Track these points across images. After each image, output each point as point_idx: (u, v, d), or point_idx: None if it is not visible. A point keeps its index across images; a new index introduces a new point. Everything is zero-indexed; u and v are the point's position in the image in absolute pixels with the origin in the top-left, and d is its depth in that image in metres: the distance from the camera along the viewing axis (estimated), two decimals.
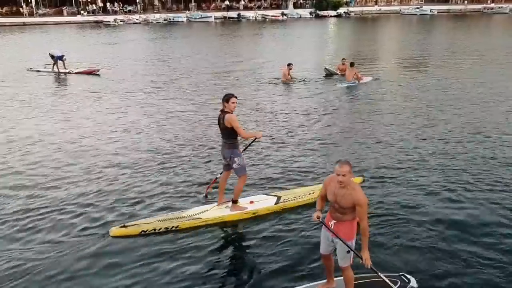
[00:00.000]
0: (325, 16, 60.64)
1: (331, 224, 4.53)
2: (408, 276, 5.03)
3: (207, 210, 6.75)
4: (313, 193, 7.08)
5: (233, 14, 61.89)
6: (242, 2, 68.94)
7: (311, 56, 25.38)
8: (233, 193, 6.79)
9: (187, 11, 63.16)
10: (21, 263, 5.63)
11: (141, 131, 11.36)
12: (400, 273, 5.10)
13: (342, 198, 4.36)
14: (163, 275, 5.39)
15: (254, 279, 5.33)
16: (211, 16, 58.96)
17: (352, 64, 17.02)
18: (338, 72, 18.41)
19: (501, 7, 65.30)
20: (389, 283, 4.62)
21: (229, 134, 6.35)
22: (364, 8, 68.60)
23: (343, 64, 18.35)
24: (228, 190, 7.11)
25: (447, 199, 7.21)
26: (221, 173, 7.03)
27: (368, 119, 12.13)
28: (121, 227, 6.35)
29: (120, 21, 54.76)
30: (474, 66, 20.59)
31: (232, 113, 6.28)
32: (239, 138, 6.47)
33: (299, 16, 61.49)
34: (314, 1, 66.40)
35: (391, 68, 21.01)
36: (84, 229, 6.48)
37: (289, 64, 17.40)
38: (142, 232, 6.27)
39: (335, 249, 4.64)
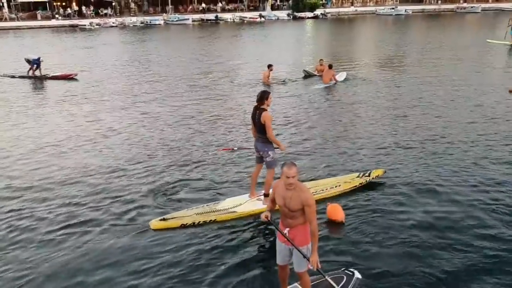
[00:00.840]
0: (302, 18, 61.04)
1: (285, 233, 4.49)
2: (351, 269, 5.17)
3: (241, 204, 6.99)
4: (342, 184, 7.57)
5: (211, 16, 61.77)
6: (220, 5, 68.85)
7: (290, 57, 25.53)
8: (263, 187, 7.10)
9: (164, 14, 62.72)
10: (69, 257, 5.92)
11: (125, 132, 11.29)
12: (343, 268, 5.23)
13: (291, 201, 4.33)
14: (204, 267, 5.64)
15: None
16: (188, 19, 58.70)
17: (330, 66, 17.21)
18: (316, 73, 18.58)
19: (473, 6, 66.82)
20: (333, 284, 4.64)
21: (264, 129, 6.68)
22: (341, 9, 69.30)
23: (321, 64, 18.56)
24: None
25: (402, 194, 7.49)
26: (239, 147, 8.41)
27: (349, 117, 12.39)
28: (161, 220, 6.57)
29: (96, 25, 54.05)
30: (448, 63, 21.07)
31: (267, 110, 6.65)
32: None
33: (276, 17, 61.74)
34: (291, 3, 66.78)
35: (368, 67, 21.32)
36: (123, 222, 6.76)
37: (269, 66, 17.49)
38: (182, 225, 6.53)
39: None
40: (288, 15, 62.93)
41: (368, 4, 75.10)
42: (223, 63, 23.42)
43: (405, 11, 64.10)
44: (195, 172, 8.68)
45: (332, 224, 6.56)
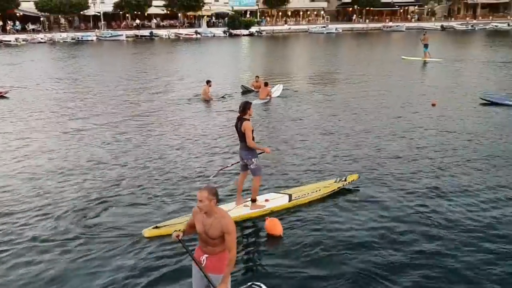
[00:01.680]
0: (238, 35, 61.93)
1: (203, 259, 4.32)
2: (258, 283, 5.18)
3: (230, 210, 6.98)
4: (321, 189, 7.96)
5: (145, 32, 61.00)
6: (154, 21, 68.20)
7: (228, 73, 25.75)
8: (250, 193, 7.41)
9: (97, 30, 61.09)
10: (59, 264, 5.97)
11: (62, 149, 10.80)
12: (250, 283, 5.24)
13: (211, 227, 4.18)
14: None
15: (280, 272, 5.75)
16: (122, 35, 57.57)
17: (266, 84, 17.55)
18: (253, 89, 18.88)
19: (398, 25, 71.25)
20: None
21: (245, 138, 6.99)
22: (275, 27, 71.14)
23: (256, 81, 18.90)
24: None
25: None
26: (232, 164, 8.36)
27: (291, 130, 12.68)
28: (154, 228, 6.66)
29: (23, 41, 51.56)
30: (375, 77, 22.22)
31: (249, 120, 6.98)
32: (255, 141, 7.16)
33: (212, 34, 62.17)
34: (227, 20, 67.59)
35: (304, 82, 22.01)
36: (114, 231, 6.79)
37: (208, 81, 17.54)
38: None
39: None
40: (224, 32, 63.62)
41: (300, 22, 77.60)
42: (160, 79, 23.17)
43: (336, 29, 66.96)
44: (176, 184, 8.64)
45: (271, 238, 6.58)
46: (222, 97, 17.79)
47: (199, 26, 66.87)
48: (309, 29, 69.14)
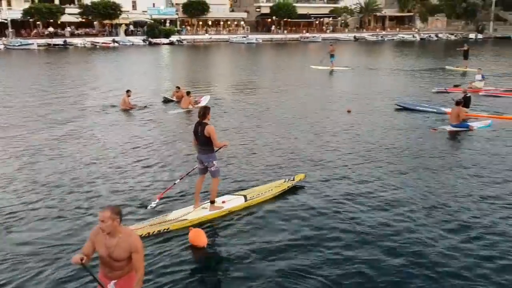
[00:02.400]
0: (158, 44, 60.84)
1: (111, 286, 4.03)
2: None
3: (189, 212, 7.39)
4: (273, 189, 8.41)
5: (59, 41, 57.92)
6: (69, 29, 64.99)
7: (148, 82, 25.15)
8: (209, 195, 7.65)
9: (4, 38, 56.98)
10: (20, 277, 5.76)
11: None
12: None
13: (116, 248, 3.92)
14: (163, 275, 5.80)
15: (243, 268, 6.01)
16: (33, 43, 54.12)
17: (188, 93, 17.38)
18: (174, 98, 18.58)
19: (315, 36, 74.12)
20: None
21: (207, 142, 7.22)
22: (196, 37, 70.82)
23: (177, 91, 18.65)
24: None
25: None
26: (181, 179, 8.44)
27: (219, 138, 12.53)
28: None
29: None
30: (293, 85, 22.90)
31: (208, 123, 7.19)
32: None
33: (131, 43, 60.50)
34: (146, 29, 66.19)
35: (227, 91, 22.15)
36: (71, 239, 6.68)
37: (127, 91, 17.00)
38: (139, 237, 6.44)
39: None
40: (144, 40, 62.19)
41: (221, 32, 78.05)
42: (76, 89, 22.09)
43: (256, 39, 68.14)
44: (91, 200, 8.27)
45: (194, 249, 6.45)
46: (144, 107, 17.30)
47: (116, 34, 64.81)
48: (230, 39, 69.69)
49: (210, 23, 79.09)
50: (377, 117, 15.69)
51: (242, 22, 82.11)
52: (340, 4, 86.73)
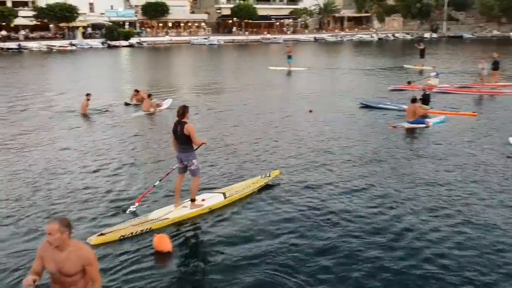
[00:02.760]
0: (117, 46, 59.68)
1: None
2: None
3: (170, 211, 7.48)
4: (251, 185, 8.61)
5: (12, 45, 55.83)
6: (23, 32, 62.78)
7: (108, 86, 24.70)
8: (189, 193, 7.77)
9: None
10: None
11: None
12: None
13: (66, 263, 3.70)
14: (147, 274, 5.90)
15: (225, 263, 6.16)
16: None
17: (149, 96, 17.16)
18: (134, 101, 18.30)
19: (276, 37, 74.64)
20: None
21: (187, 140, 7.30)
22: (156, 39, 69.92)
23: (135, 94, 18.40)
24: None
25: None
26: (160, 180, 8.34)
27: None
28: (99, 235, 6.66)
29: None
30: (255, 86, 23.05)
31: (188, 122, 7.25)
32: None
33: (89, 46, 59.10)
34: (104, 31, 64.82)
35: (188, 92, 21.99)
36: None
37: (87, 95, 16.62)
38: (121, 237, 6.72)
39: None
40: (103, 43, 60.86)
41: (182, 34, 77.44)
42: (33, 94, 21.35)
43: (217, 41, 68.01)
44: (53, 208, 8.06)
45: (159, 255, 6.38)
46: (105, 110, 16.94)
47: (73, 37, 63.17)
48: (191, 40, 69.20)
49: (170, 24, 78.34)
50: (338, 115, 16.00)
51: (203, 24, 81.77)
52: (300, 6, 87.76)
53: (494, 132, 13.31)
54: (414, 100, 14.21)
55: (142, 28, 74.06)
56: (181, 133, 7.25)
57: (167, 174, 8.45)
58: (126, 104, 18.20)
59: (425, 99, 15.88)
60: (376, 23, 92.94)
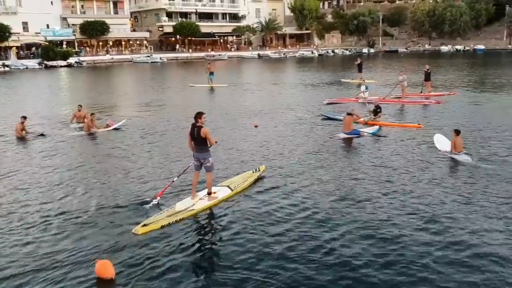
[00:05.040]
0: (55, 66, 57.66)
1: None
2: None
3: (194, 203, 8.58)
4: (247, 179, 9.89)
5: None
6: None
7: (45, 107, 23.70)
8: (206, 188, 8.90)
9: None
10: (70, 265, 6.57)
11: None
12: None
13: None
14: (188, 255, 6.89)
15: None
16: None
17: (92, 114, 16.70)
18: (74, 121, 17.71)
19: (220, 54, 75.21)
20: None
21: (203, 142, 8.47)
22: (96, 58, 68.17)
23: (79, 110, 17.85)
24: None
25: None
26: (179, 176, 9.41)
27: (121, 160, 12.16)
28: (143, 225, 7.65)
29: None
30: (199, 99, 23.06)
31: (203, 126, 8.42)
32: None
33: (25, 67, 56.66)
34: (40, 51, 62.48)
35: (132, 111, 21.50)
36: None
37: (22, 117, 15.88)
38: (162, 226, 7.74)
39: None
40: (39, 63, 58.57)
41: (123, 52, 76.16)
42: None
43: (160, 58, 67.45)
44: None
45: (100, 282, 6.17)
46: (41, 134, 16.10)
47: (6, 58, 60.40)
48: (133, 58, 68.17)
49: (111, 43, 76.85)
50: (281, 128, 16.39)
51: (145, 42, 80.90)
52: (243, 23, 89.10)
53: (422, 137, 14.25)
54: (350, 113, 14.79)
55: (81, 47, 72.11)
56: (198, 135, 8.38)
57: (184, 171, 9.53)
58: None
59: (377, 112, 16.62)
60: (316, 40, 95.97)
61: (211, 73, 31.50)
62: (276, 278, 6.20)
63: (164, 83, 37.64)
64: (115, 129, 16.65)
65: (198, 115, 8.45)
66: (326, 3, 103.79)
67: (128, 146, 14.27)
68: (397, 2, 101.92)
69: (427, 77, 24.31)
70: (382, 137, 14.63)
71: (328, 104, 21.86)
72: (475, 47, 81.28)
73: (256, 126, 16.45)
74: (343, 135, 14.47)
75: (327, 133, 15.35)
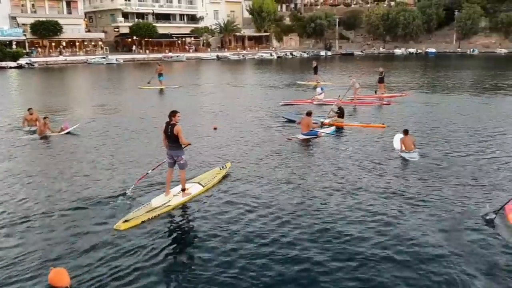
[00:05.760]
0: (3, 68, 55.19)
1: None
2: None
3: (169, 200, 8.88)
4: (216, 176, 10.28)
5: None
6: None
7: None
8: (180, 184, 9.22)
9: None
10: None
11: None
12: None
13: None
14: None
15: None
16: None
17: (45, 118, 16.03)
18: (26, 124, 16.92)
19: (178, 55, 74.38)
20: None
21: (176, 139, 8.67)
22: (49, 59, 65.74)
23: (30, 114, 17.05)
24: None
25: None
26: (152, 169, 9.86)
27: (76, 164, 11.76)
28: (125, 221, 7.85)
29: None
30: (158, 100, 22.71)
31: (177, 124, 8.66)
32: None
33: None
34: None
35: (89, 113, 20.85)
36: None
37: None
38: (142, 222, 8.00)
39: None
40: None
41: (78, 53, 74.00)
42: None
43: (116, 60, 65.97)
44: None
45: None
46: None
47: None
48: (88, 60, 66.33)
49: (64, 44, 74.45)
50: (241, 130, 16.29)
51: (100, 43, 78.95)
52: (201, 24, 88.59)
53: (378, 137, 14.67)
54: (308, 114, 14.93)
55: (32, 48, 69.43)
56: (171, 133, 8.59)
57: (158, 165, 9.95)
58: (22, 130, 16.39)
59: (341, 113, 16.74)
60: (275, 42, 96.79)
61: (160, 75, 30.92)
62: (246, 269, 6.54)
63: (119, 84, 36.76)
64: (69, 133, 16.05)
65: (173, 113, 8.70)
66: (284, 6, 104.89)
67: (84, 148, 13.87)
68: (352, 6, 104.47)
69: (381, 80, 25.00)
70: (339, 137, 14.91)
71: (284, 105, 22.02)
72: (427, 50, 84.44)
73: (215, 129, 16.30)
74: (301, 136, 14.59)
75: (286, 134, 15.42)
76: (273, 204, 8.95)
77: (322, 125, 16.34)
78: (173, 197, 8.99)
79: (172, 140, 8.69)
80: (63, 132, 15.97)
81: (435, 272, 6.35)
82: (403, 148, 12.28)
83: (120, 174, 11.01)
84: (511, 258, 6.77)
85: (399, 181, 10.26)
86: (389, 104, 21.88)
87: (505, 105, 21.84)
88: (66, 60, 66.32)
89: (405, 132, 12.51)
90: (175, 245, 7.42)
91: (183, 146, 8.81)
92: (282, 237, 7.45)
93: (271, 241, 7.37)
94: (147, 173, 9.79)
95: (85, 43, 78.15)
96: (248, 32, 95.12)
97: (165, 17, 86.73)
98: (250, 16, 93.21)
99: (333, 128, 15.89)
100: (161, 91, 30.02)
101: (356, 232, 7.61)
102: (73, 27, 73.81)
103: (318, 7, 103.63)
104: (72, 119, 18.83)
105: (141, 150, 13.62)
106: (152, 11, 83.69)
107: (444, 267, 6.48)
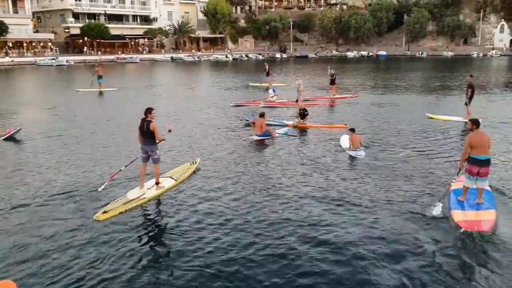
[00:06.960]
0: None
1: None
2: None
3: (144, 193, 9.28)
4: (187, 170, 10.79)
5: None
6: None
7: None
8: (154, 178, 9.68)
9: None
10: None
11: None
12: None
13: None
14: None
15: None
16: None
17: None
18: None
19: (132, 57, 72.93)
20: None
21: (152, 135, 9.15)
22: None
23: None
24: None
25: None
26: (126, 166, 10.35)
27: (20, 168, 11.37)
28: (103, 212, 8.31)
29: None
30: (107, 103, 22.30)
31: (153, 121, 9.15)
32: None
33: None
34: None
35: (30, 116, 20.17)
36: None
37: None
38: (120, 213, 8.43)
39: None
40: None
41: (26, 54, 71.18)
42: None
43: (67, 61, 64.04)
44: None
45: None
46: None
47: None
48: (37, 61, 63.92)
49: (10, 44, 71.39)
50: (196, 131, 16.42)
51: (49, 44, 76.30)
52: (155, 25, 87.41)
53: (329, 136, 15.20)
54: (262, 115, 15.14)
55: None
56: (147, 129, 9.05)
57: (131, 162, 10.42)
58: None
59: (303, 115, 16.98)
60: (230, 44, 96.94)
61: (100, 77, 30.26)
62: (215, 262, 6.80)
63: (69, 86, 35.64)
64: (11, 137, 15.48)
65: (148, 110, 9.18)
66: (238, 8, 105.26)
67: (30, 153, 13.41)
68: (306, 9, 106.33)
69: (332, 81, 25.65)
70: (292, 137, 15.19)
71: (234, 106, 22.18)
72: (378, 53, 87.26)
73: (170, 131, 16.16)
74: (256, 137, 14.74)
75: (241, 135, 15.55)
76: (239, 196, 9.48)
77: (287, 127, 16.57)
78: (147, 190, 9.40)
79: (147, 135, 9.14)
80: (5, 136, 15.41)
81: (367, 271, 6.53)
82: (351, 146, 12.71)
83: (69, 179, 10.76)
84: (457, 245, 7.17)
85: (344, 179, 10.54)
86: (332, 106, 22.64)
87: (449, 105, 22.93)
88: (13, 61, 63.68)
89: (352, 130, 13.02)
90: (151, 234, 7.82)
91: (157, 141, 9.26)
92: (243, 223, 8.10)
93: (232, 227, 7.95)
94: (121, 170, 10.24)
95: (33, 44, 75.31)
96: (203, 33, 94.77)
97: (118, 18, 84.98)
98: (205, 17, 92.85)
99: (286, 128, 16.16)
100: (100, 93, 29.43)
101: (305, 228, 7.87)
102: (20, 27, 70.90)
103: (273, 9, 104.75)
104: (15, 122, 18.19)
105: (94, 153, 13.36)
106: (104, 12, 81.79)
107: (397, 263, 6.71)
